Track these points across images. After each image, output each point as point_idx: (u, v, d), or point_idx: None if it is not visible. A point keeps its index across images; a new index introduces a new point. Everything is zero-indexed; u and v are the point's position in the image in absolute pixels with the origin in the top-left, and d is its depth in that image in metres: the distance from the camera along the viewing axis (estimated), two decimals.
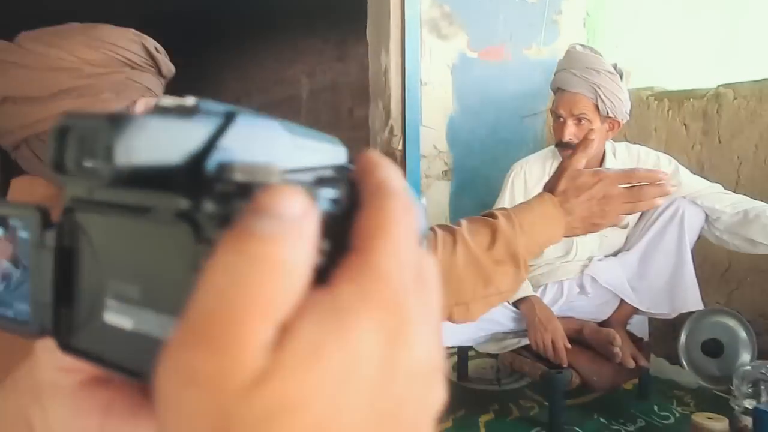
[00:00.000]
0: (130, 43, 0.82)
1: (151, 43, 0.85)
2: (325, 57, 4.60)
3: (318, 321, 0.18)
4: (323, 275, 0.19)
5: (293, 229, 0.18)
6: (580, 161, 0.84)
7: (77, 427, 0.27)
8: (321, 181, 0.23)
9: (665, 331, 2.28)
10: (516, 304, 1.89)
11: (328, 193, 0.22)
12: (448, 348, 2.16)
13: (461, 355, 2.16)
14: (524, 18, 2.66)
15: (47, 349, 0.26)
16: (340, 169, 0.26)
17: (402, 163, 2.55)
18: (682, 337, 2.13)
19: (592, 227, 0.85)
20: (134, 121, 0.20)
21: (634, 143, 2.31)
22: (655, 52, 2.73)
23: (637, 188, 0.82)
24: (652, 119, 2.31)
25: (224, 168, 0.21)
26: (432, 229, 0.82)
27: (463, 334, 1.85)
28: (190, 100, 0.23)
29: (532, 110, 2.70)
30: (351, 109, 4.42)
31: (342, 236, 0.20)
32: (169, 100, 0.23)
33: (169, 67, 0.88)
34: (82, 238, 0.24)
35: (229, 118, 0.23)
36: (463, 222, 0.82)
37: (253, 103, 6.39)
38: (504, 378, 2.15)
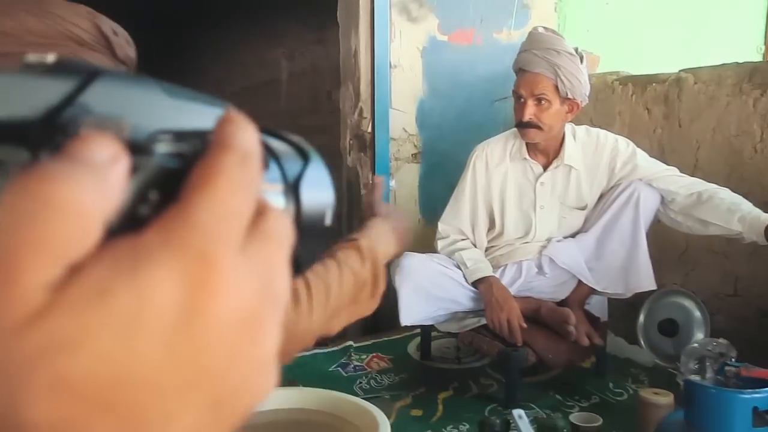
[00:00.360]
0: (79, 18, 0.81)
1: (108, 25, 0.84)
2: (305, 40, 4.59)
3: (111, 263, 0.18)
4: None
5: (90, 173, 0.18)
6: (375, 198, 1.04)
7: None
8: (175, 138, 0.23)
9: (626, 311, 2.32)
10: (475, 284, 1.92)
11: (167, 147, 0.22)
12: (412, 328, 2.20)
13: (424, 335, 2.19)
14: (495, 2, 2.67)
15: None
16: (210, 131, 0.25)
17: (371, 146, 2.57)
18: (641, 317, 2.17)
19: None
20: None
21: (599, 127, 2.34)
22: (624, 37, 2.76)
23: None
24: (616, 103, 2.34)
25: (71, 122, 0.21)
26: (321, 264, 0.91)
27: (422, 313, 1.88)
28: (51, 57, 0.24)
29: (503, 94, 2.72)
30: (329, 92, 4.42)
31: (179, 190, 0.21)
32: (33, 57, 0.24)
33: (126, 53, 0.87)
34: None
35: (91, 76, 0.24)
36: (338, 251, 0.93)
37: (234, 87, 6.36)
38: (466, 357, 2.19)
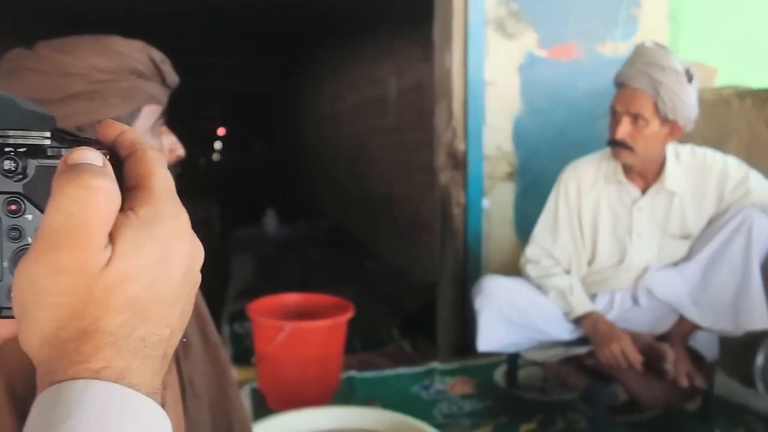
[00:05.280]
0: (137, 53, 0.88)
1: (158, 55, 0.91)
2: (411, 57, 4.64)
3: (135, 229, 0.30)
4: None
5: (103, 170, 0.30)
6: None
7: None
8: (93, 143, 0.34)
9: (741, 351, 2.09)
10: (576, 320, 1.80)
11: (103, 151, 0.32)
12: (500, 354, 2.12)
13: (511, 363, 2.11)
14: (598, 13, 2.54)
15: None
16: (85, 137, 0.36)
17: (463, 164, 2.53)
18: (759, 359, 1.95)
19: None
20: None
21: (713, 145, 2.15)
22: (747, 47, 2.51)
23: None
24: (733, 119, 2.13)
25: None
26: None
27: (501, 339, 1.81)
28: None
29: (606, 110, 2.57)
30: (433, 108, 4.42)
31: (119, 180, 0.31)
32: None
33: (173, 78, 0.94)
34: None
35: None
36: None
37: (347, 103, 6.57)
38: (554, 388, 2.07)
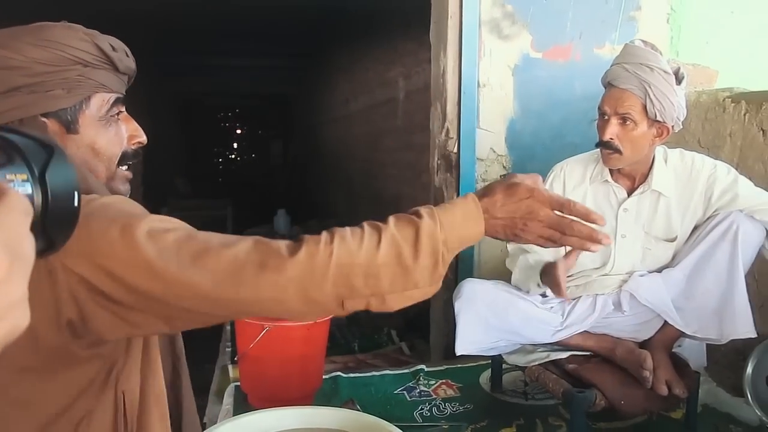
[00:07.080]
0: (79, 42, 0.87)
1: (106, 42, 0.90)
2: (420, 59, 4.63)
3: None
4: None
5: None
6: (517, 176, 0.86)
7: None
8: None
9: (733, 359, 2.05)
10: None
11: None
12: (487, 357, 2.10)
13: (495, 366, 2.09)
14: (596, 15, 2.51)
15: None
16: None
17: (456, 166, 2.52)
18: (749, 367, 1.90)
19: (512, 237, 0.86)
20: None
21: (708, 149, 2.12)
22: (747, 51, 2.46)
23: (567, 221, 0.83)
24: (727, 123, 2.08)
25: None
26: (361, 225, 0.83)
27: (479, 343, 1.79)
28: None
29: None
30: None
31: None
32: None
33: (126, 64, 0.93)
34: None
35: None
36: (391, 219, 0.82)
37: (359, 105, 6.58)
38: (536, 393, 2.05)
